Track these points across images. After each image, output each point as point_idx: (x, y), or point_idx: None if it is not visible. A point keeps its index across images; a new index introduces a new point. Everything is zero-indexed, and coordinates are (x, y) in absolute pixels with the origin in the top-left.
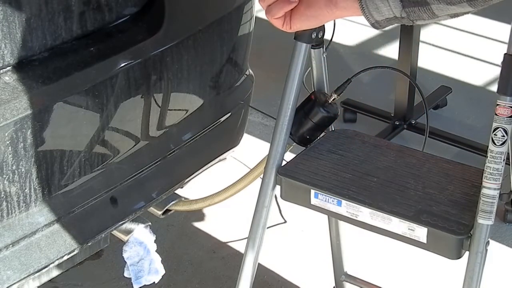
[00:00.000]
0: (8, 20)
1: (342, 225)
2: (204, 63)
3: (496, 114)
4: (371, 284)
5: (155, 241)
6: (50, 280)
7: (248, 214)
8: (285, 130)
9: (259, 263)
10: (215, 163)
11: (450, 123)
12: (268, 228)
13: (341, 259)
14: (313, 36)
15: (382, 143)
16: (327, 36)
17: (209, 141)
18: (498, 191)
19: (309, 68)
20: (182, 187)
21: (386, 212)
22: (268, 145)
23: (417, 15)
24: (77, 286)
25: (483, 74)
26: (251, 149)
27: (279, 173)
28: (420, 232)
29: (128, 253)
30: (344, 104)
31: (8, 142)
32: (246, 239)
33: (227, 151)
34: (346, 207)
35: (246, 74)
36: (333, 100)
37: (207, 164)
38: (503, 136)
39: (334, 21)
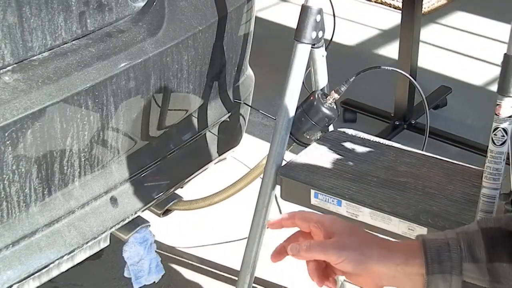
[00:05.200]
0: (8, 20)
1: None
2: (204, 63)
3: (496, 114)
4: None
5: (155, 241)
6: (50, 280)
7: (248, 214)
8: (285, 130)
9: (259, 263)
10: (215, 163)
11: (450, 123)
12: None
13: None
14: (313, 36)
15: (382, 143)
16: (327, 36)
17: (209, 141)
18: (498, 191)
19: (309, 68)
20: (182, 187)
21: (386, 212)
22: (268, 145)
23: None
24: (77, 286)
25: (483, 74)
26: (251, 149)
27: (279, 173)
28: (420, 232)
29: (128, 253)
30: (344, 104)
31: (8, 142)
32: (246, 239)
33: (227, 151)
34: (346, 207)
35: (246, 74)
36: (333, 100)
37: (207, 164)
38: (503, 136)
39: (334, 21)
